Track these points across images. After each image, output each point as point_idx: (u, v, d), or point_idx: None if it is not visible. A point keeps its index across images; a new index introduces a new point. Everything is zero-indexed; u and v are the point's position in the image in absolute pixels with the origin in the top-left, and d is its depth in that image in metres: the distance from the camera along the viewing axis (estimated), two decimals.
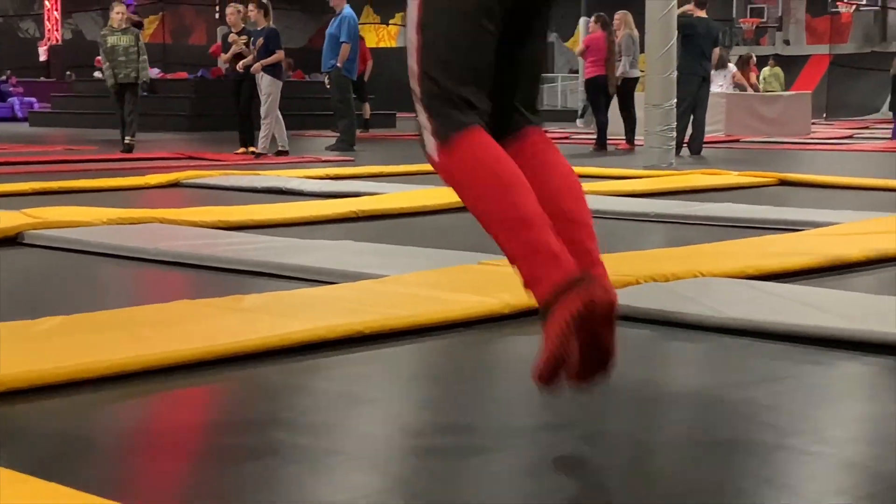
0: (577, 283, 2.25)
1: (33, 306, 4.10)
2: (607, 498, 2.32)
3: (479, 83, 2.42)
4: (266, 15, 13.10)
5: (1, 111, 25.95)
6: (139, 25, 14.33)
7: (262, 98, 12.64)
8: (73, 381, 2.93)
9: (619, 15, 14.59)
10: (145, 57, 13.17)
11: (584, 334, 2.29)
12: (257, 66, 12.64)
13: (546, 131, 2.68)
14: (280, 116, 12.86)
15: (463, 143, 2.39)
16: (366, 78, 19.11)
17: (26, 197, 7.77)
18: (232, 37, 13.07)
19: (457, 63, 2.40)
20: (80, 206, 6.61)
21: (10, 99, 26.90)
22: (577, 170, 7.44)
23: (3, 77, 27.48)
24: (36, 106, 25.95)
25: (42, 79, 29.36)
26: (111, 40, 13.14)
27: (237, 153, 12.89)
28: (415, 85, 2.47)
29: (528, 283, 2.36)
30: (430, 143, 2.47)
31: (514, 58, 2.53)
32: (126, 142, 13.06)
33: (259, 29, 12.93)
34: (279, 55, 12.82)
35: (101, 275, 4.98)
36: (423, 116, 2.47)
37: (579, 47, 15.76)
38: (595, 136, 14.67)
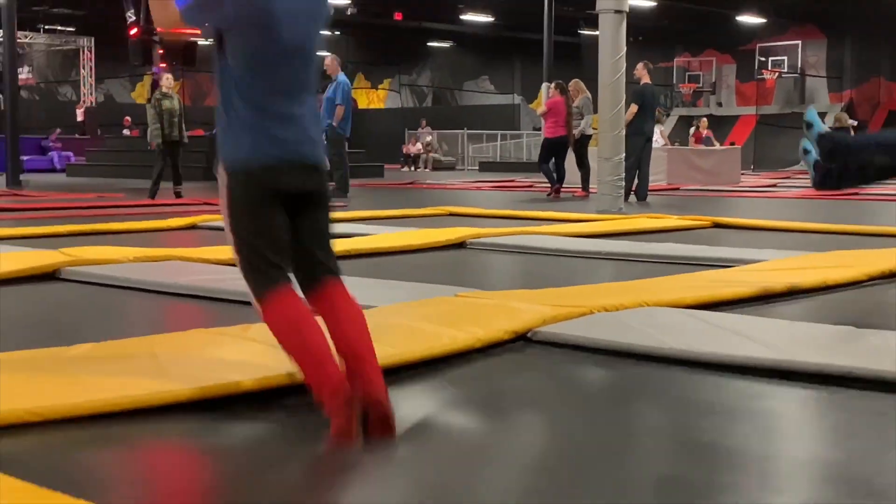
0: (352, 401, 2.62)
1: (69, 333, 4.08)
2: None
3: (279, 252, 2.78)
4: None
5: (42, 163, 25.98)
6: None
7: None
8: (95, 414, 2.85)
9: (573, 83, 14.71)
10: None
11: (367, 429, 2.64)
12: None
13: (341, 281, 2.90)
14: None
15: (274, 300, 2.74)
16: None
17: (63, 238, 7.73)
18: None
19: (260, 240, 2.77)
20: (109, 246, 6.57)
21: (49, 153, 26.98)
22: (540, 213, 7.34)
23: (45, 135, 27.46)
24: (73, 159, 25.99)
25: (77, 136, 29.32)
26: (165, 104, 13.16)
27: None
28: (234, 257, 2.83)
29: (318, 401, 2.68)
30: (254, 302, 2.80)
31: (306, 230, 2.87)
32: (176, 190, 13.24)
33: None
34: None
35: (127, 306, 4.94)
36: (244, 282, 2.82)
37: (541, 109, 15.81)
38: (549, 185, 14.67)
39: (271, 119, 2.80)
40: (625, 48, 11.62)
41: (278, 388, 3.03)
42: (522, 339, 3.84)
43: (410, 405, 3.04)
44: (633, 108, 12.65)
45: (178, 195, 13.24)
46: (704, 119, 22.49)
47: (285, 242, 2.82)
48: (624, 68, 11.63)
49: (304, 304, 2.79)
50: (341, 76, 13.91)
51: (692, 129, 21.94)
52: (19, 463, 2.45)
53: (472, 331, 3.71)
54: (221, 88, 2.85)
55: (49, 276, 5.51)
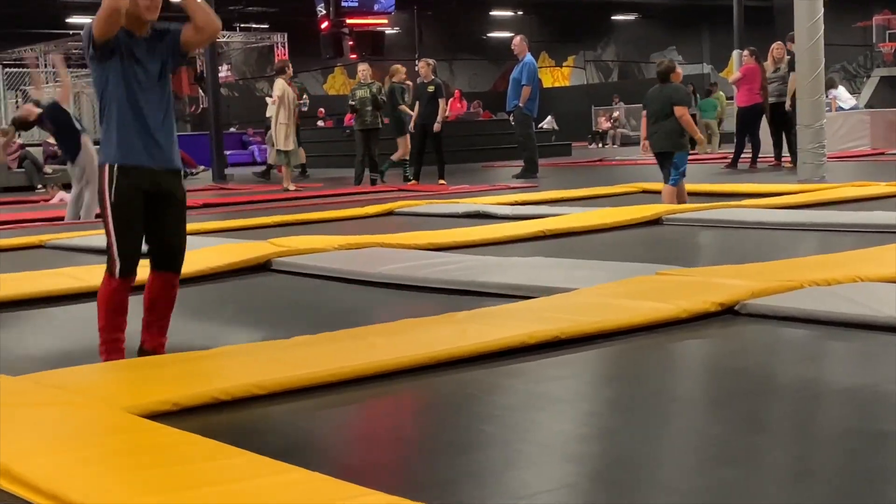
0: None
1: (284, 325, 4.25)
2: (775, 489, 2.24)
3: (136, 245, 3.51)
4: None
5: (243, 157, 27.12)
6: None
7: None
8: (317, 384, 3.03)
9: (776, 46, 14.02)
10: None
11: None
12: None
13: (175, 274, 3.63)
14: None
15: (115, 281, 3.50)
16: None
17: (270, 228, 8.05)
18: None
19: (125, 236, 3.46)
20: (315, 236, 6.80)
21: (250, 147, 28.15)
22: (738, 187, 7.09)
23: (244, 131, 28.64)
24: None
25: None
26: (359, 93, 13.53)
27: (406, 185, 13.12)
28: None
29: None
30: (110, 271, 3.51)
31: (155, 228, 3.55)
32: (372, 178, 13.57)
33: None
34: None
35: (335, 298, 5.06)
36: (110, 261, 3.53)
37: (734, 76, 15.32)
38: (732, 156, 14.25)
39: None
40: (822, 10, 11.13)
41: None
42: (730, 312, 3.78)
43: (612, 370, 3.08)
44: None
45: (373, 182, 13.56)
46: None
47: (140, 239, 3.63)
48: (822, 31, 11.14)
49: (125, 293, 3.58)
50: (528, 56, 13.91)
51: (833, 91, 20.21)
52: (245, 433, 2.66)
53: (676, 302, 3.70)
54: None
55: (261, 267, 5.72)
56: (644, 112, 7.99)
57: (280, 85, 13.55)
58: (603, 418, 2.84)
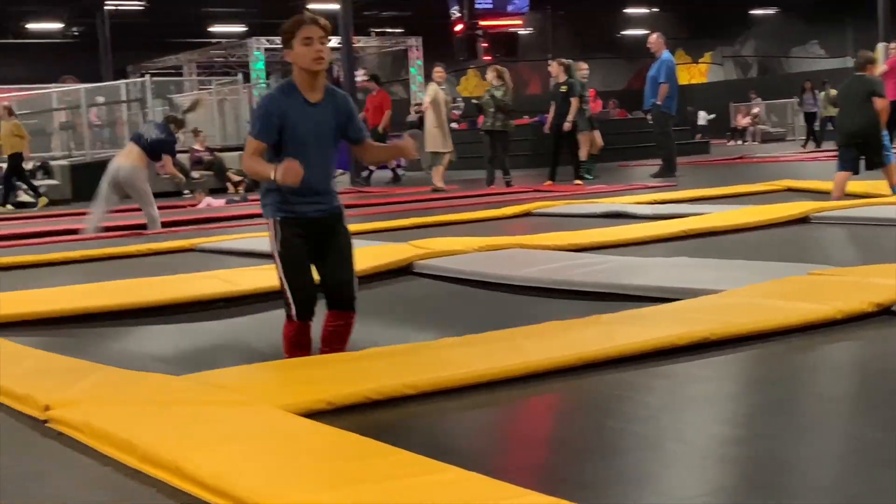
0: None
1: (430, 325, 4.31)
2: None
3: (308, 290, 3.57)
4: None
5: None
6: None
7: None
8: (467, 384, 3.06)
9: None
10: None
11: None
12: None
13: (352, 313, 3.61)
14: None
15: (294, 324, 3.57)
16: (381, 129, 16.03)
17: (409, 231, 8.15)
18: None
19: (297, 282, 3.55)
20: (454, 237, 6.85)
21: None
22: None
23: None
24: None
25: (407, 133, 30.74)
26: (485, 96, 13.63)
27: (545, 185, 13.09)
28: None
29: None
30: (290, 314, 3.57)
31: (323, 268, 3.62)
32: (506, 180, 13.66)
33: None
34: None
35: (477, 299, 5.08)
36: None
37: (880, 69, 14.79)
38: None
39: None
40: None
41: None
42: (887, 313, 3.67)
43: (764, 371, 3.02)
44: None
45: (507, 184, 13.60)
46: None
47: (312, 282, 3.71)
48: None
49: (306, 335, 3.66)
50: (665, 53, 13.74)
51: None
52: (398, 432, 2.73)
53: (831, 303, 3.61)
54: None
55: (404, 269, 5.79)
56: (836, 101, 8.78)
57: (432, 89, 13.75)
58: (756, 420, 2.79)
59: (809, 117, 22.68)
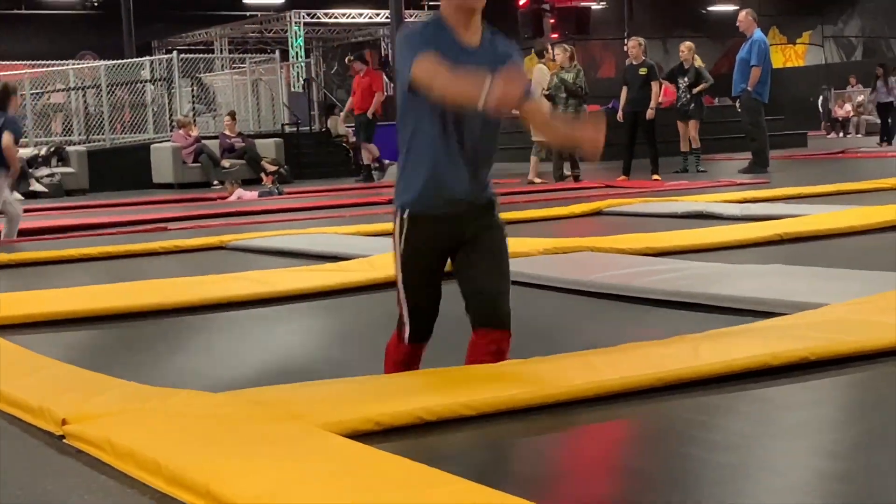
0: None
1: None
2: None
3: (431, 310, 3.30)
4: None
5: None
6: None
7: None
8: (532, 405, 3.06)
9: None
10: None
11: None
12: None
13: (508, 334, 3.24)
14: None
15: (404, 346, 3.35)
16: (370, 114, 16.04)
17: None
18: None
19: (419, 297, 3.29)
20: (519, 238, 6.83)
21: None
22: None
23: None
24: None
25: None
26: (554, 80, 13.65)
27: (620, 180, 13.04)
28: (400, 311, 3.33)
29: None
30: (402, 334, 3.33)
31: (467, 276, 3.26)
32: (574, 174, 13.78)
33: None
34: None
35: (542, 307, 5.06)
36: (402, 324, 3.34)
37: None
38: None
39: None
40: None
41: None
42: None
43: (870, 396, 3.01)
44: None
45: (576, 178, 13.61)
46: None
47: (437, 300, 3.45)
48: None
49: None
50: (757, 33, 13.64)
51: None
52: (454, 456, 2.74)
53: None
54: None
55: None
56: None
57: (541, 71, 13.75)
58: (860, 453, 2.76)
59: (883, 108, 21.94)
